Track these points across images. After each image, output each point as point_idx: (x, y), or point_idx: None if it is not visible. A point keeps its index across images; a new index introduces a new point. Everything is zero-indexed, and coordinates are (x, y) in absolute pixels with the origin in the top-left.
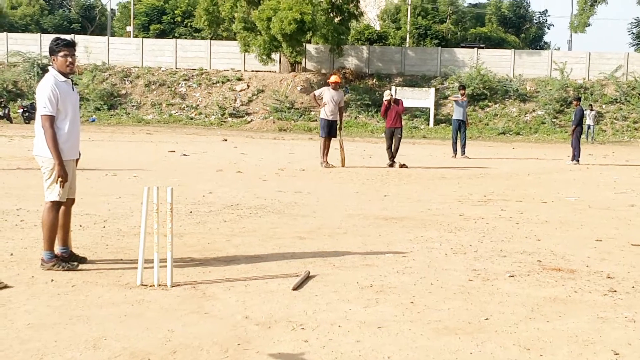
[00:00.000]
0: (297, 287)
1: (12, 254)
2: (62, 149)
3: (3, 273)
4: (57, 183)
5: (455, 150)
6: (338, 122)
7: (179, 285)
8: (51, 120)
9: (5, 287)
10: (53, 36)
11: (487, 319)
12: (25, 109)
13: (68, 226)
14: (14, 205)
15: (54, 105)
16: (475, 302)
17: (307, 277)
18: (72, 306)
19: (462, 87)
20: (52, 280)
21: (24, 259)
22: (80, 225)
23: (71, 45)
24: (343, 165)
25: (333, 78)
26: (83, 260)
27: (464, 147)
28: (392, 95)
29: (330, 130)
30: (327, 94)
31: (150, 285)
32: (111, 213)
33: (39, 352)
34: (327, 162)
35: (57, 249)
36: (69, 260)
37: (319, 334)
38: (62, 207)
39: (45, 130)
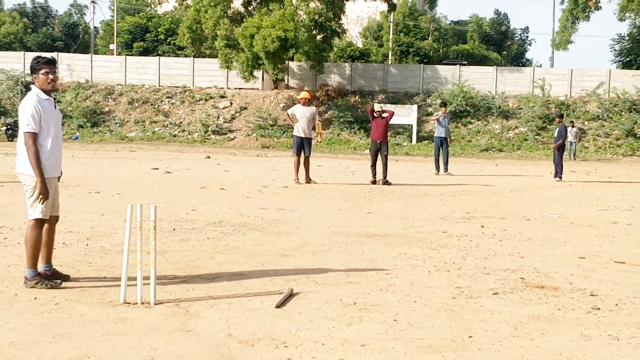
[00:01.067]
0: (280, 305)
1: None
2: (44, 166)
3: None
4: (39, 201)
5: (437, 167)
6: (312, 138)
7: (162, 303)
8: (34, 137)
9: None
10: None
11: (470, 336)
12: (9, 127)
13: (51, 244)
14: None
15: (37, 122)
16: (459, 320)
17: (291, 295)
18: (55, 324)
19: (444, 104)
20: (35, 298)
21: (7, 277)
22: (64, 243)
23: (52, 62)
24: (309, 171)
25: (302, 94)
26: (66, 278)
27: (447, 164)
28: (382, 109)
29: (302, 147)
30: (299, 111)
31: (134, 303)
32: (94, 231)
33: None
34: (309, 179)
35: (41, 266)
36: (52, 278)
37: (302, 351)
38: (46, 225)
39: (28, 148)
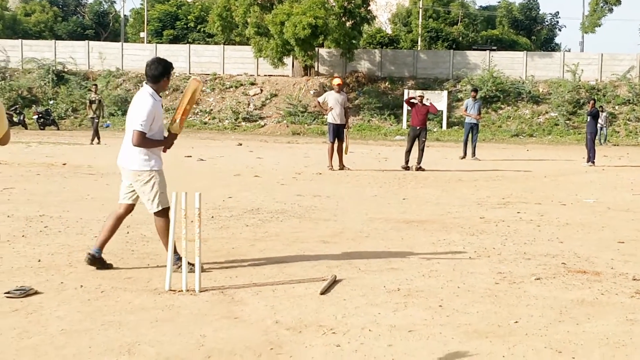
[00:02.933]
0: (324, 292)
1: (39, 260)
2: (155, 159)
3: (32, 279)
4: (157, 195)
5: (465, 152)
6: (345, 123)
7: (207, 290)
8: (143, 136)
9: (36, 293)
10: (68, 43)
11: (516, 322)
12: (40, 115)
13: (113, 232)
14: (37, 211)
15: (149, 123)
16: (504, 305)
17: (334, 281)
18: (103, 312)
19: (474, 89)
20: (82, 286)
21: (52, 265)
22: None
23: None
24: (346, 153)
25: (336, 81)
26: (109, 266)
27: (475, 149)
28: (423, 96)
29: (338, 134)
30: (332, 98)
31: (179, 291)
32: (134, 219)
33: (75, 358)
34: (344, 166)
35: (93, 249)
36: (95, 262)
37: (350, 338)
38: (120, 211)
39: (143, 145)
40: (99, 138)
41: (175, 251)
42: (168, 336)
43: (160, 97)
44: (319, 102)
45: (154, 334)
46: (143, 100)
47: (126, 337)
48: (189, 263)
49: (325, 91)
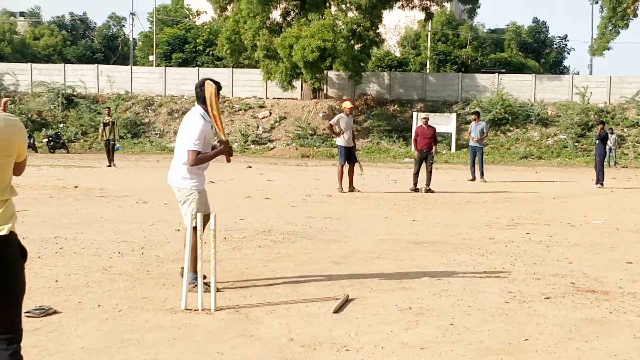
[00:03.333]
0: (337, 310)
1: (56, 281)
2: (200, 179)
3: (50, 299)
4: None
5: (473, 174)
6: (353, 146)
7: (222, 309)
8: (198, 155)
9: (55, 312)
10: (78, 66)
11: (526, 339)
12: (50, 138)
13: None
14: (51, 233)
15: (202, 144)
16: (514, 324)
17: (347, 301)
18: (121, 330)
19: (475, 112)
20: (99, 305)
21: (69, 286)
22: (119, 252)
23: None
24: (353, 179)
25: (346, 104)
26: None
27: (482, 172)
28: (427, 118)
29: (349, 156)
30: (343, 121)
31: (195, 310)
32: (147, 240)
33: None
34: (354, 188)
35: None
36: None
37: (363, 355)
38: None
39: (199, 163)
40: (113, 161)
41: (194, 270)
42: (186, 354)
43: (210, 117)
44: (331, 125)
45: (172, 352)
46: (194, 120)
47: (145, 354)
48: (204, 283)
49: (335, 114)
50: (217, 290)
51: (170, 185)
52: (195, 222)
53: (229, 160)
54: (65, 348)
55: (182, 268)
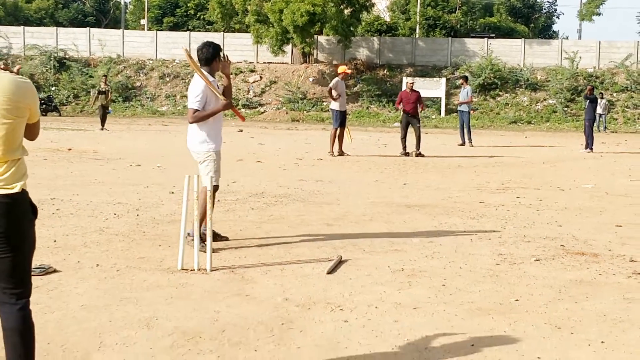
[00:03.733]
0: (331, 271)
1: (55, 241)
2: (215, 140)
3: (50, 258)
4: (211, 172)
5: (462, 138)
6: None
7: (217, 269)
8: (195, 112)
9: (55, 271)
10: (69, 29)
11: (517, 300)
12: (43, 101)
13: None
14: (47, 195)
15: (202, 103)
16: (504, 285)
17: (340, 262)
18: (120, 289)
19: (463, 77)
20: (98, 265)
21: (67, 245)
22: (115, 214)
23: None
24: (342, 143)
25: (342, 68)
26: (225, 238)
27: (470, 136)
28: (413, 83)
29: (343, 120)
30: (341, 86)
31: (191, 270)
32: (142, 202)
33: (96, 332)
34: (342, 152)
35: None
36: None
37: (357, 314)
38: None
39: (199, 120)
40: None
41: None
42: (184, 312)
43: (214, 77)
44: (331, 89)
45: (170, 310)
46: (194, 81)
47: (144, 312)
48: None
49: (324, 78)
50: (213, 251)
51: (189, 149)
52: (214, 182)
53: (242, 119)
54: (66, 305)
55: (188, 234)
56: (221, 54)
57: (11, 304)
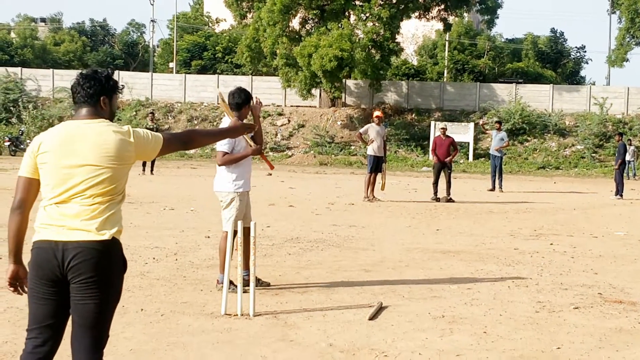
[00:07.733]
0: (372, 317)
1: None
2: (243, 181)
3: None
4: (232, 217)
5: (493, 184)
6: (384, 156)
7: (260, 315)
8: (224, 155)
9: None
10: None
11: (558, 348)
12: (10, 141)
13: (247, 252)
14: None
15: (231, 147)
16: (545, 333)
17: (381, 308)
18: (166, 333)
19: (498, 122)
20: (142, 309)
21: None
22: (154, 258)
23: None
24: (383, 189)
25: (377, 113)
26: (267, 284)
27: (501, 181)
28: (445, 129)
29: (377, 165)
30: (373, 130)
31: (234, 315)
32: (179, 246)
33: None
34: (374, 197)
35: (242, 272)
36: (248, 283)
37: None
38: (241, 236)
39: (228, 163)
40: (152, 169)
41: (222, 271)
42: (230, 357)
43: None
44: (360, 134)
45: (218, 355)
46: (223, 124)
47: (191, 357)
48: (231, 283)
49: (352, 122)
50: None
51: (214, 191)
52: (234, 227)
53: (271, 167)
54: (115, 350)
55: (217, 281)
56: (252, 100)
57: (87, 354)
